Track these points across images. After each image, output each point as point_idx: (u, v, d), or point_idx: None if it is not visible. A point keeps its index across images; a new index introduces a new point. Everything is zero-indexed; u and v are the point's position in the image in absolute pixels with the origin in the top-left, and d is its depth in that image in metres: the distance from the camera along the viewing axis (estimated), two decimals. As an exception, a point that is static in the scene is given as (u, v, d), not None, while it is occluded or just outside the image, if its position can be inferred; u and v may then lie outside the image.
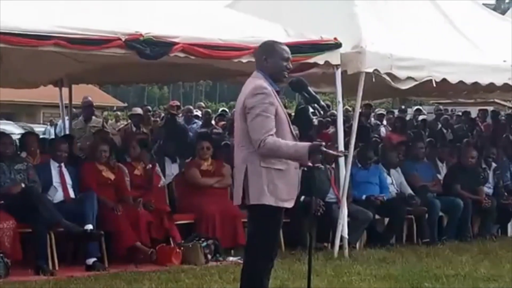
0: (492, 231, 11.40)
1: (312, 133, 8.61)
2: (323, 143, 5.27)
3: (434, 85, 9.80)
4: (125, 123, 17.13)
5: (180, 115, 15.97)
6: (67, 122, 13.47)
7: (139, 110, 14.81)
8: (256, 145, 5.22)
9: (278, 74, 5.45)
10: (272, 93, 5.31)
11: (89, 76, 11.95)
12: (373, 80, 9.33)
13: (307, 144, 5.25)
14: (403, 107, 23.41)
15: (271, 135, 5.20)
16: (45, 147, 9.82)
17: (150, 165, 9.72)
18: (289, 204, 5.41)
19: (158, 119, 16.82)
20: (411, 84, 9.69)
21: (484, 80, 10.19)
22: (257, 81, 5.38)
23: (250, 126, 5.25)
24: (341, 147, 9.32)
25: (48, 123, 26.71)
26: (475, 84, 10.23)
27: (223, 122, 15.77)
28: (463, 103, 19.11)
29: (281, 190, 5.31)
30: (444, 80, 9.84)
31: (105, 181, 9.08)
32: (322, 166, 5.81)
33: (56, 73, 11.84)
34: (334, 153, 5.61)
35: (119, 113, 31.67)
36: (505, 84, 10.39)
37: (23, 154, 9.25)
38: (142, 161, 9.69)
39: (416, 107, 21.81)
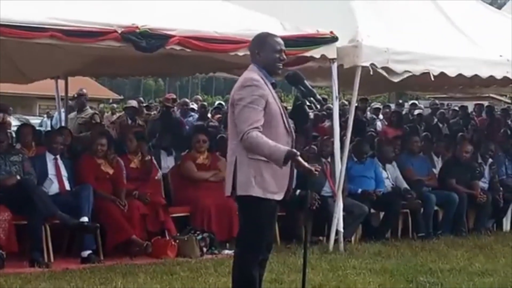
0: (487, 226, 11.39)
1: (308, 127, 8.61)
2: (298, 153, 5.21)
3: (432, 78, 9.79)
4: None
5: (176, 108, 15.96)
6: (63, 114, 13.46)
7: (134, 103, 14.77)
8: (239, 137, 5.21)
9: (272, 66, 5.44)
10: (263, 86, 5.29)
11: (85, 68, 11.92)
12: (371, 73, 9.31)
13: (285, 149, 5.18)
14: (400, 101, 23.40)
15: (256, 127, 5.17)
16: (40, 139, 9.81)
17: (149, 156, 9.71)
18: (279, 197, 5.38)
19: (154, 112, 16.78)
20: (407, 75, 9.68)
21: (483, 73, 10.18)
22: (249, 73, 5.37)
23: (236, 118, 5.24)
24: (337, 141, 9.32)
25: (45, 115, 26.64)
26: (474, 77, 10.22)
27: (219, 115, 15.78)
28: (458, 98, 19.09)
29: (269, 182, 5.28)
30: (442, 73, 9.83)
31: (103, 176, 9.05)
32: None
33: (54, 69, 11.80)
34: (308, 166, 5.42)
35: (115, 105, 31.58)
36: (504, 78, 10.38)
37: (18, 146, 9.23)
38: (140, 153, 9.67)
39: (411, 102, 21.80)
